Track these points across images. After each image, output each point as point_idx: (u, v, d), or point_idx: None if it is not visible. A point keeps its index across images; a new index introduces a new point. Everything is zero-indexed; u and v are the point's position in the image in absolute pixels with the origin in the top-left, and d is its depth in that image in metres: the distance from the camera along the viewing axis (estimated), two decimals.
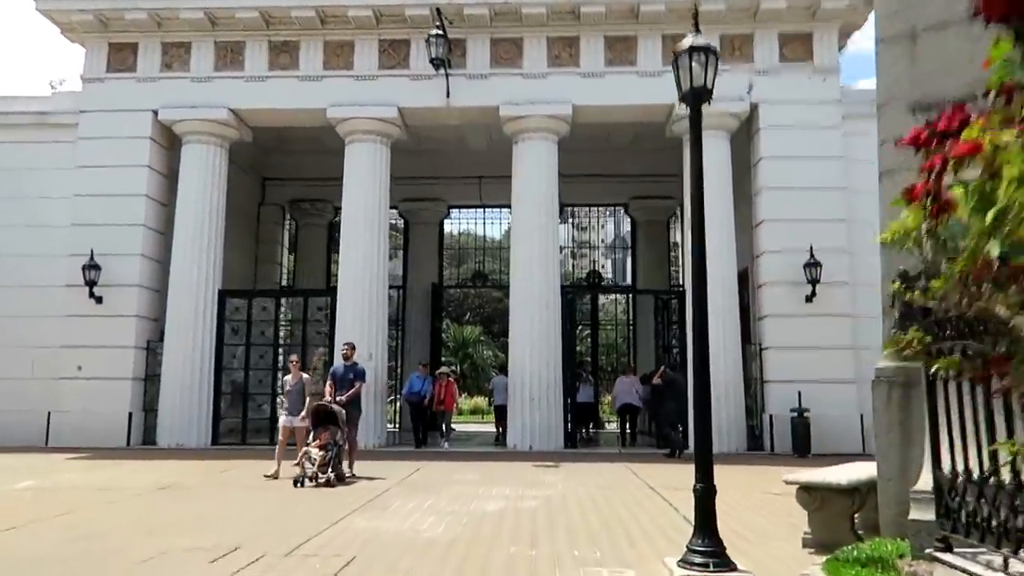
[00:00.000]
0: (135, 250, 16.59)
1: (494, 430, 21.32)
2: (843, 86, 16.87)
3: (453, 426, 23.79)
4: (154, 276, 16.96)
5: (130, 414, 16.17)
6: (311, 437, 10.71)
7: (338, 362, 13.45)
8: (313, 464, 10.14)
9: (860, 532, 5.95)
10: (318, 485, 10.01)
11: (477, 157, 22.71)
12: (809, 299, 15.66)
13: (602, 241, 26.25)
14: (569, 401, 16.60)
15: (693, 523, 5.55)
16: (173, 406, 16.05)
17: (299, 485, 10.03)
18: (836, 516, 6.10)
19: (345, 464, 10.94)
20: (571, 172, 19.16)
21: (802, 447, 14.87)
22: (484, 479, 10.97)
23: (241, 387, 17.72)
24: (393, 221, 24.28)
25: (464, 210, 24.39)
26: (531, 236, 16.32)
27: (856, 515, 6.09)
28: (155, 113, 16.97)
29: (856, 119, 15.25)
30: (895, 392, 4.87)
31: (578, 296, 20.25)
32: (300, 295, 17.64)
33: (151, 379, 16.61)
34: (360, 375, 12.08)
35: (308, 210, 23.62)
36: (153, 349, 16.71)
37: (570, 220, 24.28)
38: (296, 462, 10.49)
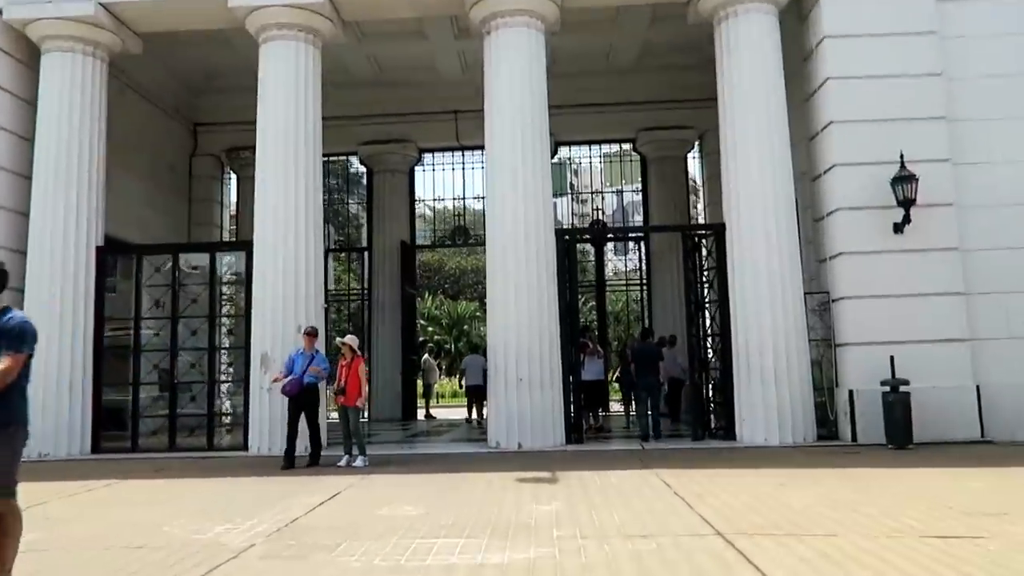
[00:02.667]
0: None
1: (474, 416, 17.15)
2: None
3: (432, 413, 19.43)
4: (13, 233, 12.35)
5: None
6: None
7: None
8: None
9: None
10: None
11: (450, 88, 18.08)
12: (899, 228, 10.98)
13: (609, 185, 21.58)
14: (572, 380, 11.98)
15: None
16: (32, 404, 11.45)
17: None
18: None
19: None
20: (563, 103, 14.47)
21: (899, 434, 10.26)
22: (427, 517, 6.41)
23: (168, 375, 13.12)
24: (353, 170, 19.66)
25: (438, 154, 19.69)
26: (513, 162, 11.67)
27: None
28: None
29: None
30: None
31: (579, 242, 15.07)
32: (204, 250, 13.00)
33: None
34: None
35: (249, 159, 18.73)
36: None
37: (565, 163, 19.57)
38: None
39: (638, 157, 19.59)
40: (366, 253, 19.30)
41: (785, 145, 11.51)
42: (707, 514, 6.14)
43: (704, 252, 12.42)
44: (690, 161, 19.88)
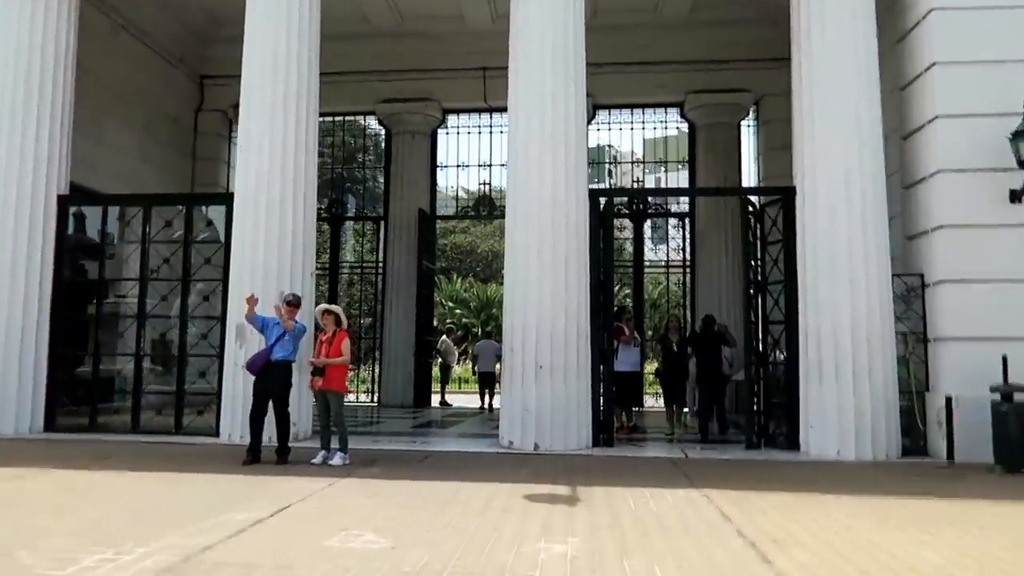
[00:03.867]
0: None
1: (486, 404, 16.09)
2: None
3: (448, 400, 17.52)
4: None
5: None
6: None
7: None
8: None
9: None
10: None
11: (478, 40, 15.99)
12: (1018, 197, 8.72)
13: (652, 158, 19.24)
14: (603, 370, 9.93)
15: None
16: None
17: None
18: None
19: None
20: (601, 60, 12.35)
21: (1012, 454, 8.04)
22: (390, 554, 4.47)
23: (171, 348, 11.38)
24: (371, 131, 17.75)
25: (463, 116, 17.67)
26: (542, 109, 9.62)
27: None
28: None
29: None
30: None
31: (618, 216, 12.50)
32: (179, 202, 11.10)
33: None
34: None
35: None
36: None
37: (602, 127, 17.39)
38: None
39: (685, 126, 17.35)
40: (382, 223, 17.41)
41: (874, 91, 9.29)
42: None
43: (766, 224, 10.22)
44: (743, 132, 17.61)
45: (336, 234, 17.61)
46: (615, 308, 11.54)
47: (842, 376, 8.92)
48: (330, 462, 7.97)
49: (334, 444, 8.17)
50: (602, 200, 10.13)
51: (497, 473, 7.57)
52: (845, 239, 9.04)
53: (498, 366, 17.09)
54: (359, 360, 18.05)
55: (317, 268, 18.16)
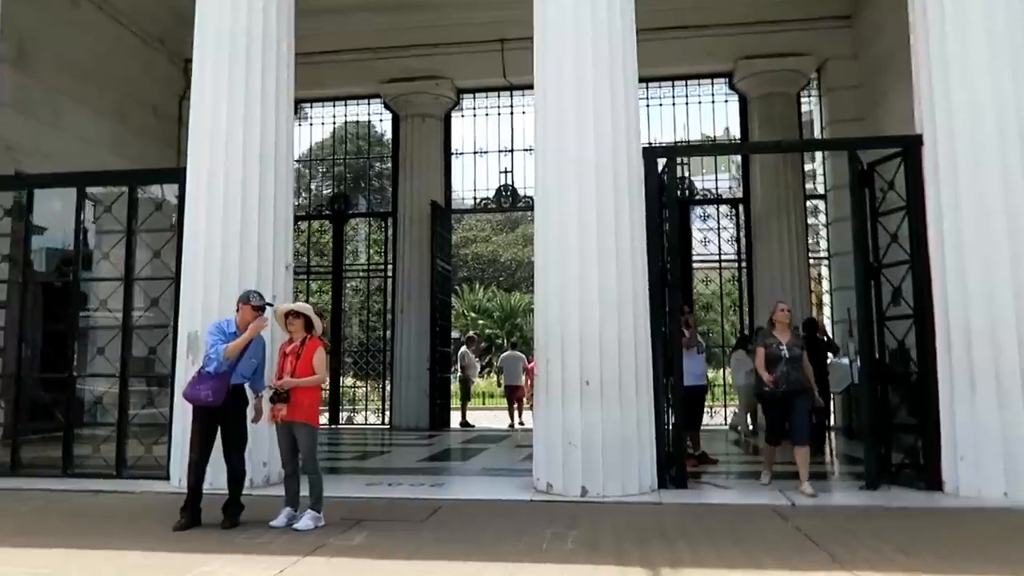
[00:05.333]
0: None
1: (515, 422, 14.79)
2: None
3: (469, 419, 15.01)
4: None
5: None
6: None
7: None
8: None
9: None
10: None
11: (496, 8, 13.64)
12: None
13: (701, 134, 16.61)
14: (668, 384, 7.37)
15: None
16: None
17: None
18: None
19: None
20: (641, 25, 9.87)
21: None
22: None
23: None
24: (378, 115, 15.43)
25: (479, 97, 15.26)
26: (577, 30, 7.13)
27: None
28: None
29: None
30: None
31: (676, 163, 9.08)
32: (120, 181, 8.56)
33: None
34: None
35: None
36: None
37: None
38: None
39: (735, 98, 14.80)
40: (389, 219, 15.03)
41: None
42: None
43: (876, 188, 7.60)
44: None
45: (339, 233, 15.26)
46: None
47: (1006, 389, 6.32)
48: (296, 525, 5.51)
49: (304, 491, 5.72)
50: (661, 161, 7.61)
51: (533, 542, 5.06)
52: (1002, 203, 6.47)
53: (524, 378, 15.63)
54: (367, 376, 15.63)
55: (320, 271, 15.99)
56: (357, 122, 15.35)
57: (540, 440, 7.06)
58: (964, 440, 6.52)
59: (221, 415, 5.74)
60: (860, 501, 6.54)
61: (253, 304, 5.81)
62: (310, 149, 15.46)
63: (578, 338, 6.84)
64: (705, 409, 10.43)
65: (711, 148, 13.88)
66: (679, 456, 7.19)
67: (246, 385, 5.94)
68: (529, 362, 15.60)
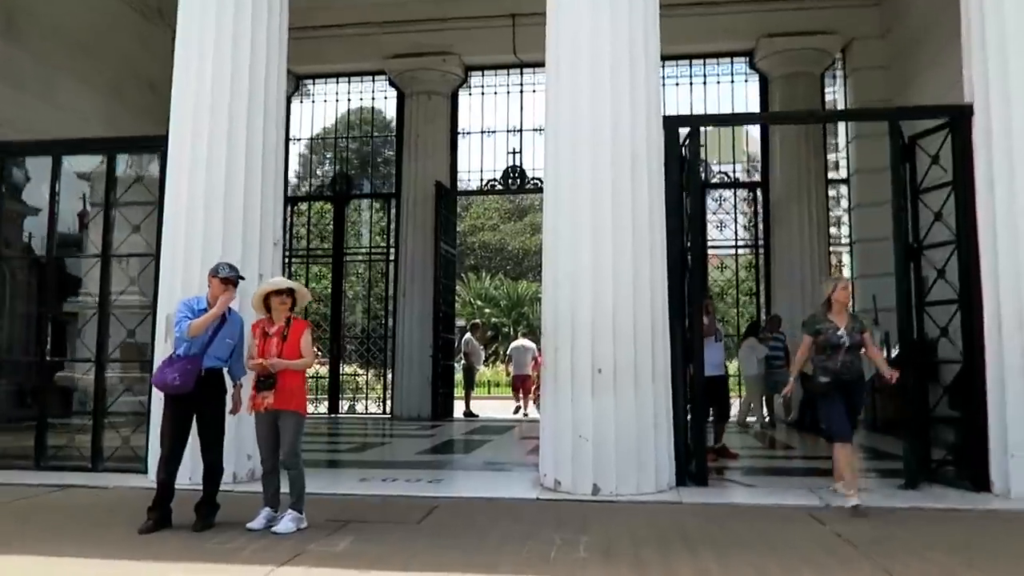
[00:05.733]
0: None
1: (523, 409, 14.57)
2: None
3: (473, 409, 14.41)
4: None
5: None
6: None
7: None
8: None
9: None
10: None
11: None
12: None
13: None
14: (688, 373, 6.71)
15: None
16: None
17: None
18: None
19: None
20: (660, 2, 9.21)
21: None
22: None
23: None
24: (383, 92, 14.80)
25: (488, 75, 14.59)
26: (597, 11, 6.46)
27: None
28: None
29: None
30: None
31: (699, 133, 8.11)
32: (97, 149, 7.93)
33: None
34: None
35: None
36: None
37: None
38: None
39: (756, 78, 14.08)
40: (393, 200, 14.41)
41: None
42: None
43: (919, 163, 6.92)
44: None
45: (341, 215, 14.64)
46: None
47: None
48: (275, 528, 4.91)
49: (285, 487, 5.11)
50: (683, 131, 6.93)
51: (540, 549, 4.45)
52: None
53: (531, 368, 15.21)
54: (367, 364, 15.06)
55: (319, 255, 15.29)
56: (361, 99, 14.67)
57: (547, 433, 6.44)
58: (1016, 436, 5.88)
59: (194, 403, 5.13)
60: (901, 502, 5.88)
61: (221, 277, 5.19)
62: (311, 127, 14.79)
63: (590, 323, 6.20)
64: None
65: (738, 117, 13.21)
66: (699, 451, 6.55)
67: (225, 371, 5.34)
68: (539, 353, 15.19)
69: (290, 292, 5.24)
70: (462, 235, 39.88)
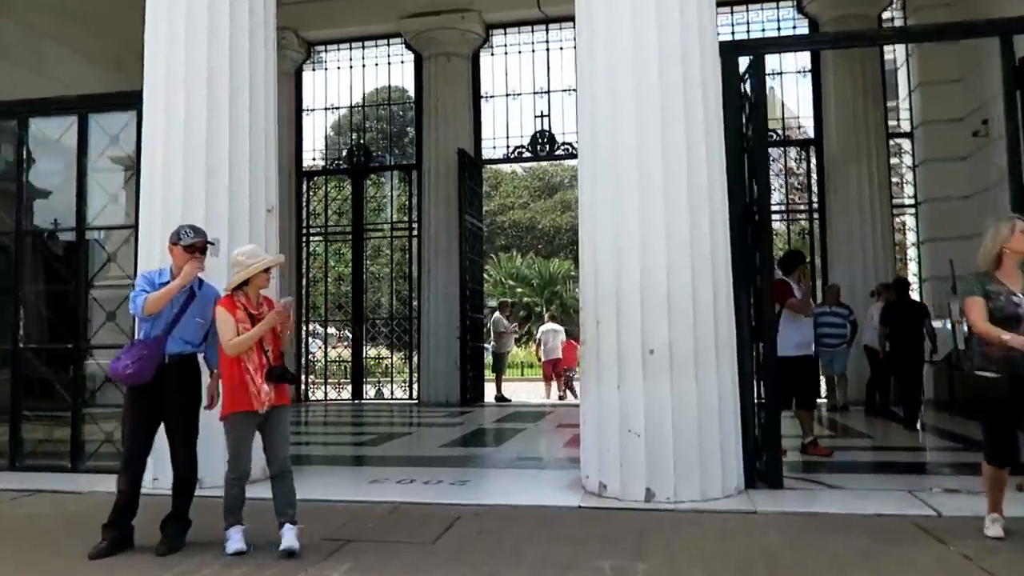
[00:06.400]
0: None
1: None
2: None
3: (505, 394, 13.39)
4: None
5: None
6: None
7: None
8: None
9: None
10: None
11: None
12: None
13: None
14: (761, 356, 5.55)
15: None
16: None
17: None
18: None
19: None
20: None
21: None
22: None
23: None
24: (399, 57, 13.72)
25: (511, 32, 13.39)
26: None
27: None
28: None
29: None
30: None
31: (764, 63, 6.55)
32: (67, 110, 6.99)
33: None
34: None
35: None
36: None
37: None
38: None
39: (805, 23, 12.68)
40: (413, 172, 13.36)
41: None
42: None
43: None
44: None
45: (359, 189, 13.64)
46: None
47: None
48: (289, 546, 3.89)
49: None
50: (743, 61, 5.73)
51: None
52: None
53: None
54: (391, 345, 14.12)
55: (338, 233, 14.24)
56: (376, 65, 13.59)
57: (589, 426, 5.35)
58: None
59: (158, 396, 4.15)
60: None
61: (184, 244, 4.18)
62: (325, 98, 13.76)
63: (638, 292, 5.09)
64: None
65: (804, 41, 11.71)
66: (773, 445, 5.42)
67: (200, 358, 4.35)
68: (569, 338, 14.70)
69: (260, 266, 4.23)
70: (491, 214, 38.85)
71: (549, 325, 15.37)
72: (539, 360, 15.59)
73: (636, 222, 5.13)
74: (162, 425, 4.20)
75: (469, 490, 5.49)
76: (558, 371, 14.67)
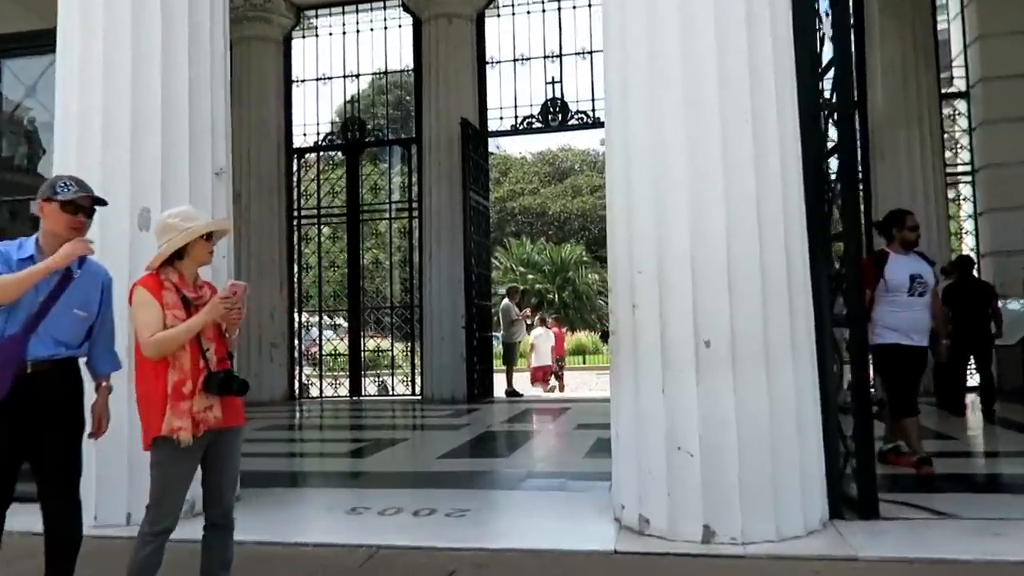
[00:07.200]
0: None
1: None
2: None
3: (516, 388, 12.14)
4: None
5: None
6: None
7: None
8: None
9: None
10: None
11: None
12: None
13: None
14: (852, 348, 4.25)
15: None
16: None
17: None
18: None
19: None
20: None
21: None
22: None
23: None
24: (396, 20, 12.45)
25: None
26: None
27: None
28: None
29: None
30: None
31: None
32: None
33: None
34: None
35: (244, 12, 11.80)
36: None
37: None
38: None
39: None
40: (413, 146, 12.08)
41: None
42: None
43: None
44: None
45: (354, 166, 12.39)
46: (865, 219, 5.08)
47: None
48: None
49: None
50: None
51: None
52: None
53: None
54: (392, 336, 12.90)
55: (331, 211, 12.88)
56: (371, 30, 12.29)
57: (624, 443, 4.09)
58: None
59: (19, 420, 2.89)
60: None
61: (62, 200, 2.92)
62: (316, 67, 12.50)
63: (688, 264, 3.81)
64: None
65: None
66: (866, 465, 4.12)
67: (81, 362, 3.11)
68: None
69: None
70: (501, 200, 37.60)
71: (540, 330, 15.08)
72: (528, 365, 14.90)
73: (684, 175, 3.85)
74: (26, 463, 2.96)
75: (469, 525, 4.22)
76: (546, 378, 14.67)
